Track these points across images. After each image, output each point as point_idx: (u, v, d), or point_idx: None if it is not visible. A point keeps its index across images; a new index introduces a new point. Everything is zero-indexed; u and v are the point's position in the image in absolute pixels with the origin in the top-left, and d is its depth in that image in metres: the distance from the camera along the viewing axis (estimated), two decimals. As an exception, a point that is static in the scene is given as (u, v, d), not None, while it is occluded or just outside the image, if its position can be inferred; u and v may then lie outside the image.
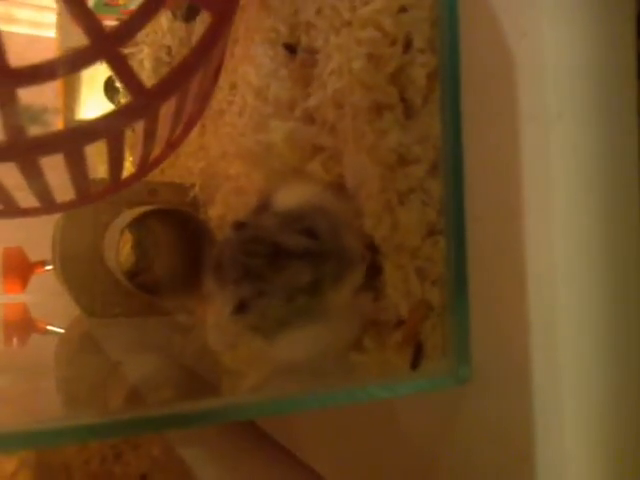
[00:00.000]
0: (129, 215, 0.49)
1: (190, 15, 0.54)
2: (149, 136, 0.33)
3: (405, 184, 0.29)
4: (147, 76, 0.68)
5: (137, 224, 0.49)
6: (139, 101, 0.26)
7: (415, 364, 0.29)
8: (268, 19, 0.40)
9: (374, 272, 0.30)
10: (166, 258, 0.56)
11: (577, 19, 0.26)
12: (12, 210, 0.36)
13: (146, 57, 0.67)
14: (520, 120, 0.27)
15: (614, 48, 0.28)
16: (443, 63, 0.30)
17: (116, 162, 0.32)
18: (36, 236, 0.64)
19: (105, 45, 0.26)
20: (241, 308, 0.29)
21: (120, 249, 0.49)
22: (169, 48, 0.64)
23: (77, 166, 0.30)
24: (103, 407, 0.36)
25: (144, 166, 0.37)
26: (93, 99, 0.80)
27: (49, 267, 0.81)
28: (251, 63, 0.42)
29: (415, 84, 0.29)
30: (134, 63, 0.72)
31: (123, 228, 0.46)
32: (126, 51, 0.75)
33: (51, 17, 0.81)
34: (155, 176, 0.66)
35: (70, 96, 0.79)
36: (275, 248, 0.28)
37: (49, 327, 0.80)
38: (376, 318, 0.30)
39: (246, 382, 0.35)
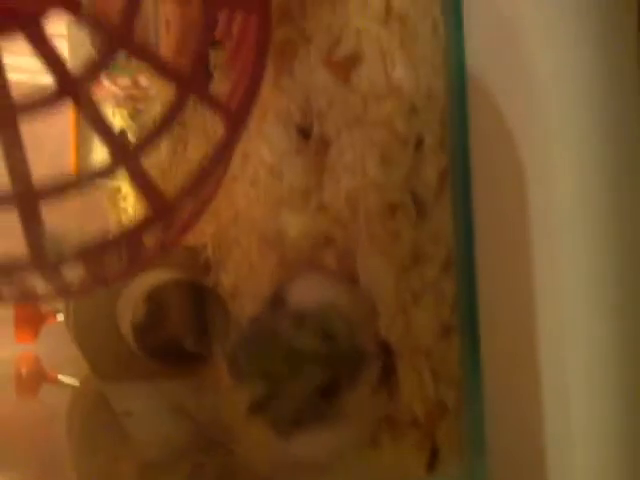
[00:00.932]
0: (142, 283, 0.49)
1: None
2: (168, 225, 0.34)
3: (419, 283, 0.30)
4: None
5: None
6: (159, 212, 0.27)
7: (431, 466, 0.29)
8: (281, 99, 0.41)
9: (388, 371, 0.30)
10: (176, 321, 0.56)
11: (587, 138, 0.26)
12: (29, 297, 0.37)
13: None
14: (529, 223, 0.27)
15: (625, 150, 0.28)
16: (454, 162, 0.30)
17: (134, 255, 0.33)
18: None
19: (126, 157, 0.26)
20: (255, 408, 0.29)
21: (134, 318, 0.49)
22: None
23: (97, 268, 0.30)
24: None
25: (161, 248, 0.38)
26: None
27: (60, 317, 0.81)
28: (264, 139, 0.43)
29: (427, 183, 0.30)
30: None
31: (137, 301, 0.47)
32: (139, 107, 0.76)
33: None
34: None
35: (82, 141, 0.80)
36: (290, 350, 0.28)
37: (60, 377, 0.80)
38: (392, 416, 0.30)
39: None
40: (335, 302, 0.30)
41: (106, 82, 0.66)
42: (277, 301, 0.32)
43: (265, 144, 0.42)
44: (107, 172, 0.26)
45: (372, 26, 0.31)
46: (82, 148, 0.81)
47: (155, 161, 0.65)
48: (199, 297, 0.49)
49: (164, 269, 0.53)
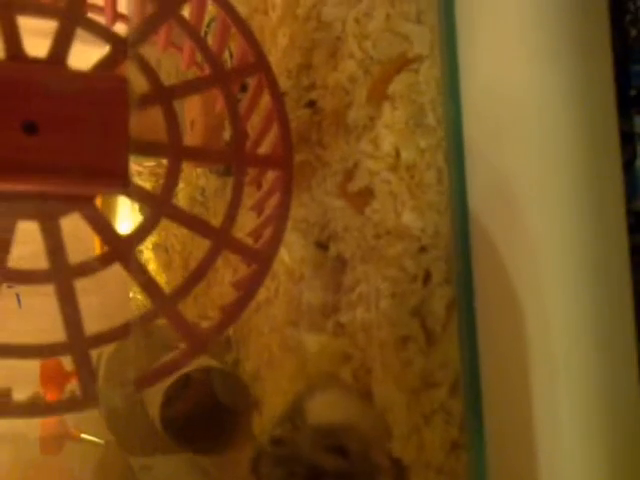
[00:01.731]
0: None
1: (226, 172, 0.59)
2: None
3: (429, 406, 0.33)
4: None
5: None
6: (195, 347, 0.30)
7: None
8: (301, 210, 0.45)
9: None
10: (201, 407, 0.59)
11: (577, 273, 0.30)
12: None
13: (181, 193, 0.73)
14: (528, 349, 0.30)
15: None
16: (459, 295, 0.34)
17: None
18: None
19: (165, 305, 0.30)
20: None
21: (161, 404, 0.52)
22: (203, 189, 0.69)
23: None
24: None
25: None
26: (127, 215, 0.86)
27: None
28: (284, 244, 0.47)
29: (435, 314, 0.33)
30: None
31: (166, 390, 0.50)
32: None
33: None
34: (189, 308, 0.70)
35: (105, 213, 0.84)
36: (311, 468, 0.31)
37: (83, 436, 0.83)
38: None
39: None
40: (351, 421, 0.33)
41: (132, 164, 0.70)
42: (296, 417, 0.35)
43: (285, 248, 0.46)
44: (149, 318, 0.30)
45: (382, 170, 0.35)
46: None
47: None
48: (225, 382, 0.52)
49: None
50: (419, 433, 0.33)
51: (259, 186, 0.40)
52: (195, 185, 0.71)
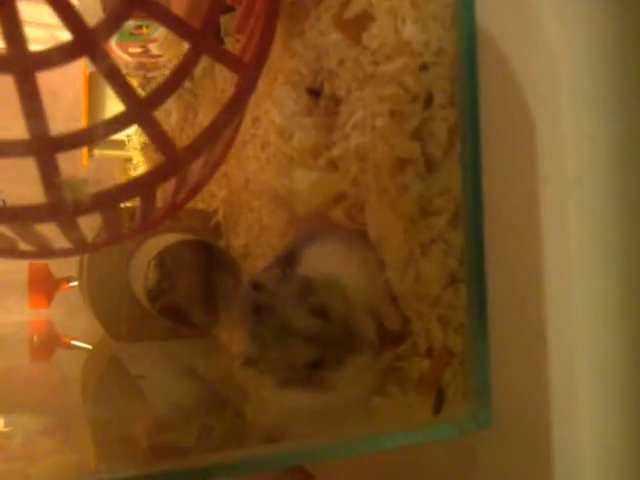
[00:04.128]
0: (155, 245, 0.51)
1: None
2: (179, 184, 0.35)
3: (427, 235, 0.30)
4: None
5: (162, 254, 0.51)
6: (171, 162, 0.28)
7: (437, 409, 0.30)
8: (291, 61, 0.41)
9: (398, 339, 0.31)
10: (188, 282, 0.57)
11: (596, 87, 0.27)
12: (45, 252, 0.38)
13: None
14: (538, 180, 0.28)
15: (634, 112, 0.29)
16: (463, 118, 0.31)
17: (147, 211, 0.34)
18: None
19: (140, 110, 0.27)
20: (247, 363, 0.30)
21: (146, 278, 0.50)
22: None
23: (112, 218, 0.31)
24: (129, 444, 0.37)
25: (171, 208, 0.39)
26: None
27: (74, 284, 0.83)
28: (274, 102, 0.43)
29: (436, 139, 0.31)
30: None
31: (150, 260, 0.48)
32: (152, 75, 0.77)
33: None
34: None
35: (94, 109, 0.81)
36: (283, 324, 0.29)
37: (74, 342, 0.82)
38: (399, 367, 0.31)
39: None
40: (344, 278, 0.31)
41: (117, 50, 0.67)
42: (287, 263, 0.33)
43: (275, 107, 0.43)
44: (121, 122, 0.27)
45: (383, -16, 0.32)
46: (93, 111, 0.81)
47: (166, 128, 0.66)
48: (210, 256, 0.50)
49: (176, 233, 0.54)
50: (415, 263, 0.31)
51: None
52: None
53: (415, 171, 0.30)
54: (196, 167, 0.34)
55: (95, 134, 0.27)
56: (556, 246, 0.28)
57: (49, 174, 0.26)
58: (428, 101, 0.31)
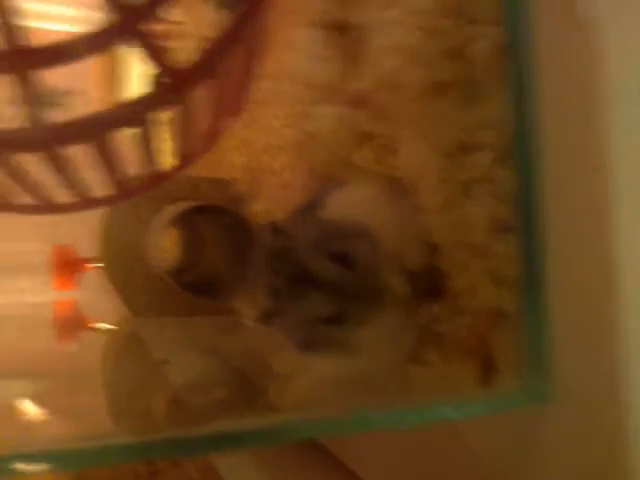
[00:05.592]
0: (170, 212, 0.47)
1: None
2: (185, 127, 0.31)
3: (468, 174, 0.26)
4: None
5: (180, 221, 0.47)
6: (170, 83, 0.24)
7: (485, 379, 0.25)
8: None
9: (436, 295, 0.26)
10: (211, 256, 0.54)
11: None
12: (47, 205, 0.35)
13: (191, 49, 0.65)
14: (601, 100, 0.23)
15: None
16: (512, 37, 0.26)
17: (149, 154, 0.30)
18: (85, 233, 0.64)
19: (132, 21, 0.23)
20: (264, 318, 0.27)
21: (163, 247, 0.47)
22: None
23: (110, 157, 0.28)
24: (147, 417, 0.34)
25: (183, 160, 0.35)
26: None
27: (99, 264, 0.81)
28: (294, 49, 0.39)
29: (479, 61, 0.26)
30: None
31: (165, 225, 0.44)
32: (170, 44, 0.73)
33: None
34: (197, 171, 0.64)
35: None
36: (301, 271, 0.25)
37: (98, 324, 0.80)
38: (439, 328, 0.26)
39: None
40: (372, 224, 0.26)
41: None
42: (310, 209, 0.28)
43: (295, 53, 0.39)
44: (112, 34, 0.23)
45: None
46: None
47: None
48: (227, 221, 0.46)
49: (192, 202, 0.50)
50: (456, 207, 0.26)
51: None
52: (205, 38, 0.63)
53: (454, 98, 0.26)
54: (206, 106, 0.30)
55: (78, 47, 0.23)
56: (627, 176, 0.23)
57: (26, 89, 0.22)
58: (471, 17, 0.26)
